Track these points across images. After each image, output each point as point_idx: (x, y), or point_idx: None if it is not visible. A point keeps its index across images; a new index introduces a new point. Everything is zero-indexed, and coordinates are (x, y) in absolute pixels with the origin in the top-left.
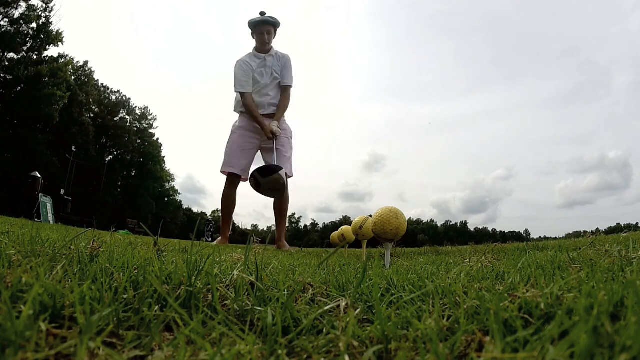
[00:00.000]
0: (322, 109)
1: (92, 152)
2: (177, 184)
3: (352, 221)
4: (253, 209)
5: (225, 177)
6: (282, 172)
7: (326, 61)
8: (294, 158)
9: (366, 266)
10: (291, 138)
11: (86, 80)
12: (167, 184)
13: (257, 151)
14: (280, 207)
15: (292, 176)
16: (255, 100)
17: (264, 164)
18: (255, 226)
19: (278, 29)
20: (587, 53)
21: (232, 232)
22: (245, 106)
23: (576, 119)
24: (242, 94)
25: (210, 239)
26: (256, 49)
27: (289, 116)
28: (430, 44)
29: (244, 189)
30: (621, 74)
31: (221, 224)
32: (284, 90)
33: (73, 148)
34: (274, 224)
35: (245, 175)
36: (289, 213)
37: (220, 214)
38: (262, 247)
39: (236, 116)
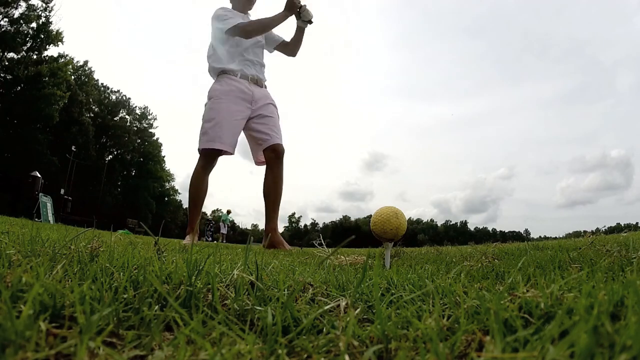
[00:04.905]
0: (323, 108)
1: (92, 151)
2: (177, 183)
3: (352, 221)
4: (253, 209)
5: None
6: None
7: (327, 59)
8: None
9: (366, 266)
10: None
11: (86, 80)
12: (167, 184)
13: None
14: (277, 187)
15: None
16: (236, 65)
17: (257, 137)
18: (255, 226)
19: None
20: (591, 53)
21: (232, 231)
22: (249, 25)
23: (579, 119)
24: (235, 29)
25: (210, 239)
26: (234, 7)
27: (288, 111)
28: (433, 43)
29: (244, 187)
30: (625, 74)
31: (189, 215)
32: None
33: (73, 148)
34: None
35: (233, 151)
36: (289, 212)
37: (188, 203)
38: (262, 247)
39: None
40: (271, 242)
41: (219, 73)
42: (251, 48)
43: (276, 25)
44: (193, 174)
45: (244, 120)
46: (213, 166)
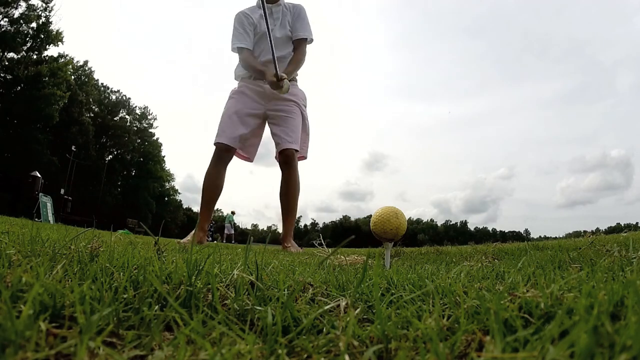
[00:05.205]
0: (323, 108)
1: (92, 151)
2: (177, 183)
3: (352, 221)
4: (253, 208)
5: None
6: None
7: (327, 59)
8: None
9: (366, 266)
10: (304, 106)
11: (86, 80)
12: (167, 184)
13: (263, 122)
14: (288, 193)
15: (305, 158)
16: (261, 60)
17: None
18: (255, 226)
19: None
20: (591, 53)
21: (233, 231)
22: (243, 61)
23: (579, 119)
24: (238, 51)
25: (210, 239)
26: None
27: None
28: (433, 43)
29: (244, 186)
30: (625, 74)
31: (199, 212)
32: (299, 45)
33: (73, 148)
34: (275, 223)
35: (243, 148)
36: None
37: (201, 199)
38: (262, 247)
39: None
40: (283, 248)
41: (240, 78)
42: (268, 49)
43: (256, 86)
44: (206, 170)
45: (254, 117)
46: (225, 161)
